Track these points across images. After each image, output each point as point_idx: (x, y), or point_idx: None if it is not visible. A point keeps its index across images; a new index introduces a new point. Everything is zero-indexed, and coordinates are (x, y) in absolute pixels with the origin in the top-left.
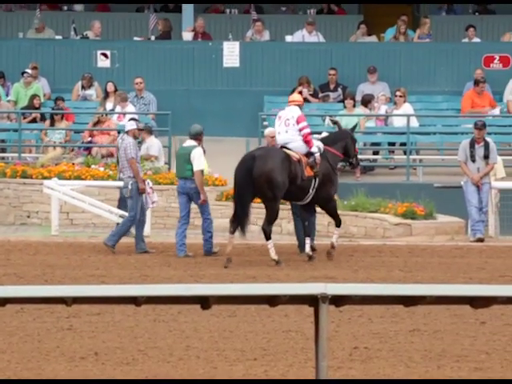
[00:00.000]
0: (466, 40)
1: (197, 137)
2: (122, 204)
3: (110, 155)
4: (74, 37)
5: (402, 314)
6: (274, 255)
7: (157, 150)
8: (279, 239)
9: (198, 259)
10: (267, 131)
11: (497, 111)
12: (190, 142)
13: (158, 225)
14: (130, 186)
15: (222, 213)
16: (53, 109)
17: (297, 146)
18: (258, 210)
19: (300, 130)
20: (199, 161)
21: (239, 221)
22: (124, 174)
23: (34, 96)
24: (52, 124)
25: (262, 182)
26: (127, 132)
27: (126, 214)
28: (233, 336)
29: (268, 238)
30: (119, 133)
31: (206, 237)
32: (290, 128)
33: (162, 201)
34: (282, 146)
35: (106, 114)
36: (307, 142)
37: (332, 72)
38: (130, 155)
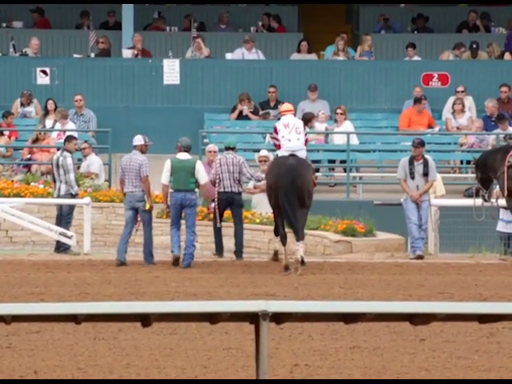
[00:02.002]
0: (406, 58)
1: (189, 149)
2: (60, 221)
3: (50, 172)
4: (12, 54)
5: (343, 331)
6: (302, 253)
7: (97, 168)
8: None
9: (139, 276)
10: (209, 147)
11: (436, 131)
12: (185, 155)
13: (99, 242)
14: (146, 199)
15: (162, 230)
16: None
17: (303, 154)
18: (200, 228)
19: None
20: (204, 173)
21: (293, 227)
22: (136, 188)
23: None
24: None
25: (305, 191)
26: (135, 147)
27: (66, 231)
28: (173, 354)
29: (301, 239)
30: (58, 149)
31: (191, 250)
32: (300, 136)
33: (103, 218)
34: (292, 154)
35: (45, 132)
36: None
37: (272, 90)
38: (145, 173)
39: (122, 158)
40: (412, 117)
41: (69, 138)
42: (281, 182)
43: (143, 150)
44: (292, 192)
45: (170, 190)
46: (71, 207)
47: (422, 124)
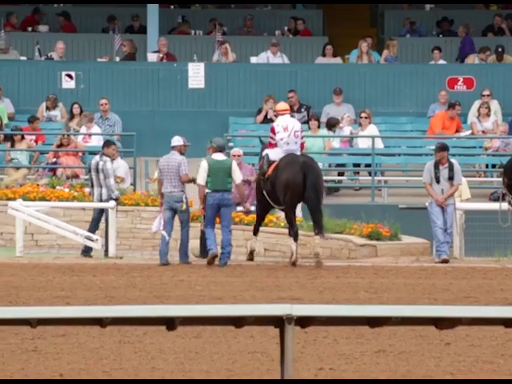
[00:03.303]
0: (431, 62)
1: (224, 149)
2: (94, 226)
3: (75, 176)
4: (38, 58)
5: (368, 335)
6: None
7: (124, 172)
8: (244, 259)
9: (164, 280)
10: (234, 151)
11: (465, 134)
12: (220, 155)
13: (124, 246)
14: (184, 200)
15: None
16: (12, 129)
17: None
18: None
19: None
20: (239, 173)
21: (318, 220)
22: (175, 188)
23: None
24: (12, 145)
25: (322, 189)
26: (173, 148)
27: (92, 235)
28: (198, 357)
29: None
30: (84, 154)
31: (229, 249)
32: (298, 140)
33: (128, 222)
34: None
35: (69, 135)
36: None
37: (290, 95)
38: (184, 171)
39: (160, 159)
40: (445, 121)
41: (108, 143)
42: (299, 180)
43: (182, 150)
44: (318, 187)
45: (207, 191)
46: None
47: (451, 129)
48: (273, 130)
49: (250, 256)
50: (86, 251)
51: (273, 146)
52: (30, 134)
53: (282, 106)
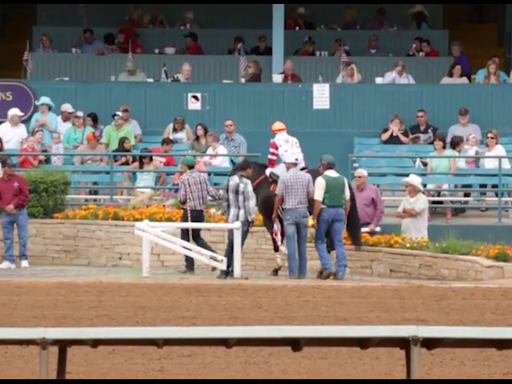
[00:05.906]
0: None
1: (334, 165)
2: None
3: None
4: (164, 80)
5: (495, 357)
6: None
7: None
8: (369, 280)
9: (289, 301)
10: (357, 171)
11: None
12: (334, 172)
13: (249, 266)
14: (309, 215)
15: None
16: (142, 151)
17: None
18: (349, 252)
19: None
20: (348, 190)
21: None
22: (301, 204)
23: (123, 139)
24: (141, 166)
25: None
26: (294, 164)
27: (216, 254)
28: (323, 378)
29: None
30: (209, 174)
31: (345, 262)
32: (299, 150)
33: (253, 243)
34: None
35: (195, 157)
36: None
37: (420, 114)
38: (313, 188)
39: (284, 175)
40: None
41: (248, 165)
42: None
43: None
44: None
45: (323, 206)
46: (246, 232)
47: None
48: (274, 146)
49: (275, 273)
50: (225, 273)
51: (273, 162)
52: (158, 156)
53: (278, 125)
